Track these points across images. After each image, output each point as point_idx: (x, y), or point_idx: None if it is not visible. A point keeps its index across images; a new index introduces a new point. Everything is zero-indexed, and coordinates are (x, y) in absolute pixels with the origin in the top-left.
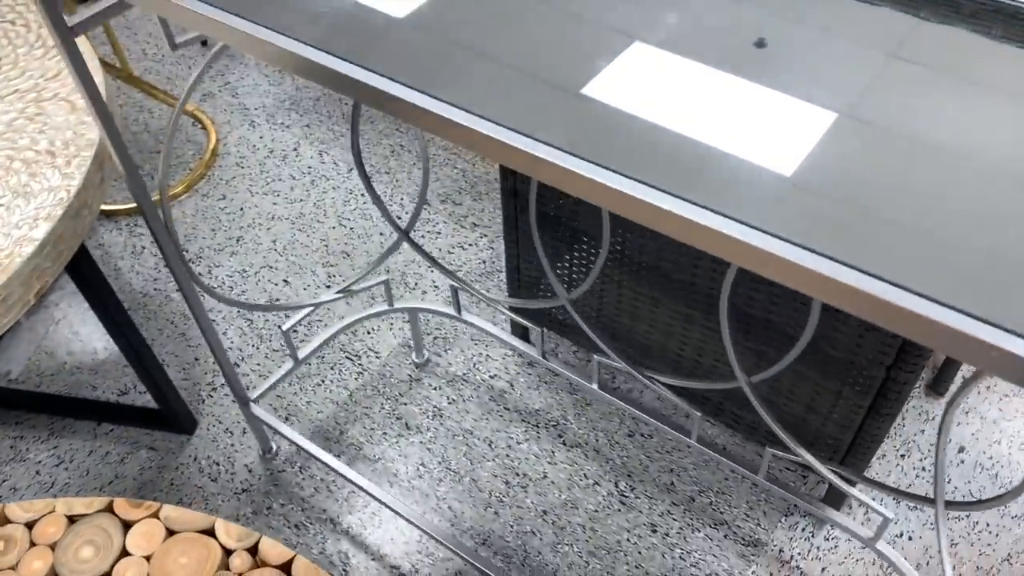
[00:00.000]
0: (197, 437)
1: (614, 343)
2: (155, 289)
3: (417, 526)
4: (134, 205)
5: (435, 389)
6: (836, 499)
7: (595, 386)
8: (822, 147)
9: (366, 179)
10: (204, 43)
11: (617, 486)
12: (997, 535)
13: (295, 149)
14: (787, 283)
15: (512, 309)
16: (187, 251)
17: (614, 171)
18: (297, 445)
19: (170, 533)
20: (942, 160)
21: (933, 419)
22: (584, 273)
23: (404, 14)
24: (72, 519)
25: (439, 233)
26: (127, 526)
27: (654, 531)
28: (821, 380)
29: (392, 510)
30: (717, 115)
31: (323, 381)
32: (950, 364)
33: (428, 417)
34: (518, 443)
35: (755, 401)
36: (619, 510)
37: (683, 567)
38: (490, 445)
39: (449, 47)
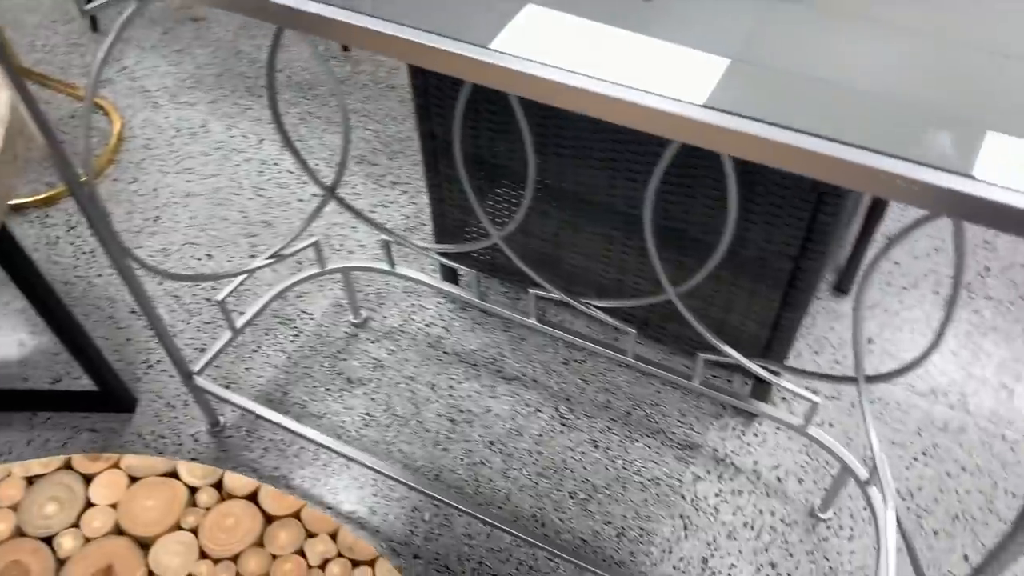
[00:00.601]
0: (138, 414)
1: (542, 275)
2: (76, 277)
3: (367, 466)
4: (42, 196)
5: (373, 343)
6: (762, 396)
7: (533, 320)
8: (719, 93)
9: (285, 136)
10: (95, 28)
11: (557, 410)
12: (907, 411)
13: (203, 126)
14: (724, 149)
15: (444, 256)
16: None
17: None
18: (245, 409)
19: (133, 480)
20: (834, 93)
21: (841, 318)
22: (508, 211)
23: None
24: (30, 480)
25: (359, 194)
26: (88, 480)
27: (596, 446)
28: (735, 281)
29: (344, 456)
30: (614, 69)
31: (259, 347)
32: (852, 264)
33: (369, 369)
34: (459, 383)
35: (683, 310)
36: (561, 432)
37: (626, 476)
38: (433, 388)
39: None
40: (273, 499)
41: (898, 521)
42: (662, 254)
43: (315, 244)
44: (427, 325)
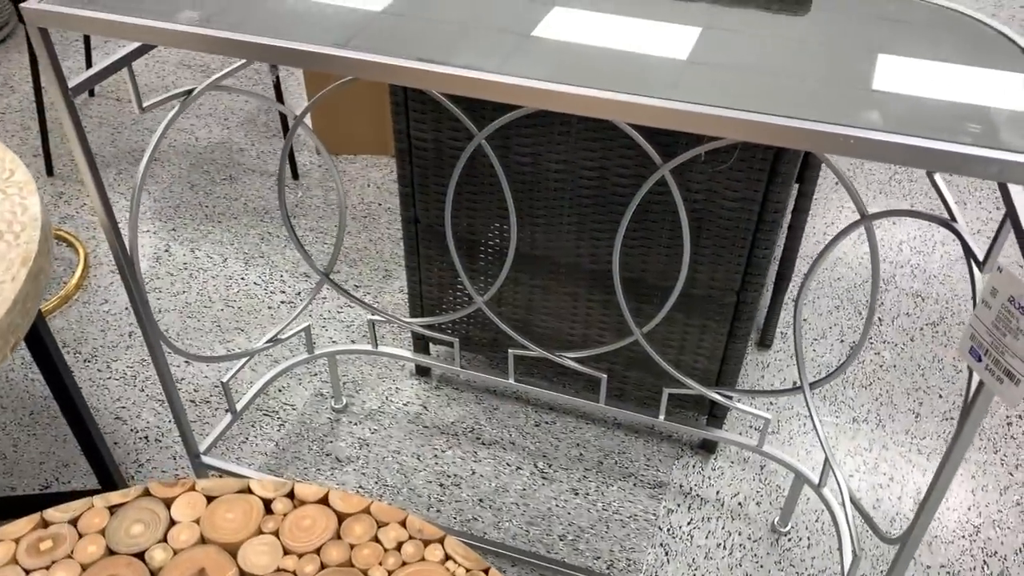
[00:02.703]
0: None
1: (516, 341)
2: None
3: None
4: None
5: (356, 425)
6: (716, 425)
7: (511, 379)
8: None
9: (288, 223)
10: (50, 172)
11: (536, 466)
12: (837, 440)
13: (167, 250)
14: (685, 127)
15: (425, 328)
16: (80, 352)
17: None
18: (252, 479)
19: (210, 500)
20: (781, 46)
21: (768, 367)
22: (484, 283)
23: (380, 8)
24: (112, 510)
25: (325, 298)
26: (168, 504)
27: (576, 494)
28: (688, 319)
29: None
30: (629, 40)
31: (247, 439)
32: (769, 321)
33: (356, 448)
34: (443, 451)
35: (647, 346)
36: (543, 484)
37: (607, 516)
38: (419, 459)
39: (426, 26)
40: (343, 500)
41: (855, 503)
42: (625, 303)
43: (306, 329)
44: (405, 404)
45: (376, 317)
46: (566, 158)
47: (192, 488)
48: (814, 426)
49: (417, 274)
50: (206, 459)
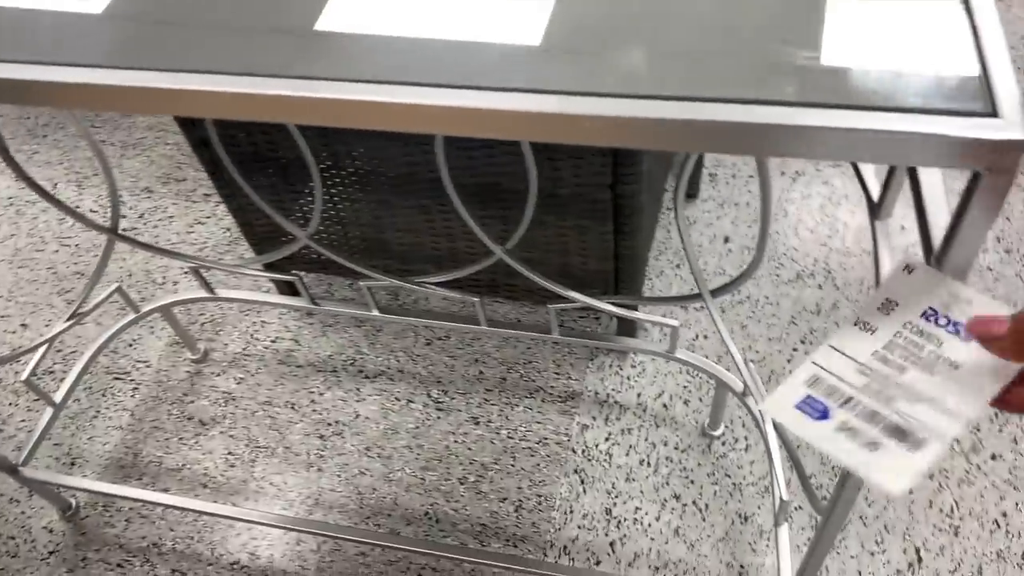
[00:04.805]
0: None
1: (376, 261)
2: None
3: (236, 518)
4: None
5: (219, 375)
6: (629, 328)
7: (376, 312)
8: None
9: (37, 187)
10: None
11: (430, 395)
12: (777, 303)
13: None
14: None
15: (265, 267)
16: None
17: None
18: (88, 491)
19: None
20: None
21: (695, 223)
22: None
23: (101, 9)
24: None
25: (171, 216)
26: None
27: (476, 423)
28: (561, 222)
29: (207, 514)
30: (451, 15)
31: (98, 412)
32: (697, 167)
33: (220, 405)
34: (321, 394)
35: (516, 265)
36: (438, 418)
37: (513, 444)
38: (293, 408)
39: (161, 28)
40: None
41: (776, 429)
42: (485, 213)
43: (118, 290)
44: (273, 341)
45: (193, 263)
46: None
47: None
48: (725, 343)
49: (236, 201)
50: (26, 472)
